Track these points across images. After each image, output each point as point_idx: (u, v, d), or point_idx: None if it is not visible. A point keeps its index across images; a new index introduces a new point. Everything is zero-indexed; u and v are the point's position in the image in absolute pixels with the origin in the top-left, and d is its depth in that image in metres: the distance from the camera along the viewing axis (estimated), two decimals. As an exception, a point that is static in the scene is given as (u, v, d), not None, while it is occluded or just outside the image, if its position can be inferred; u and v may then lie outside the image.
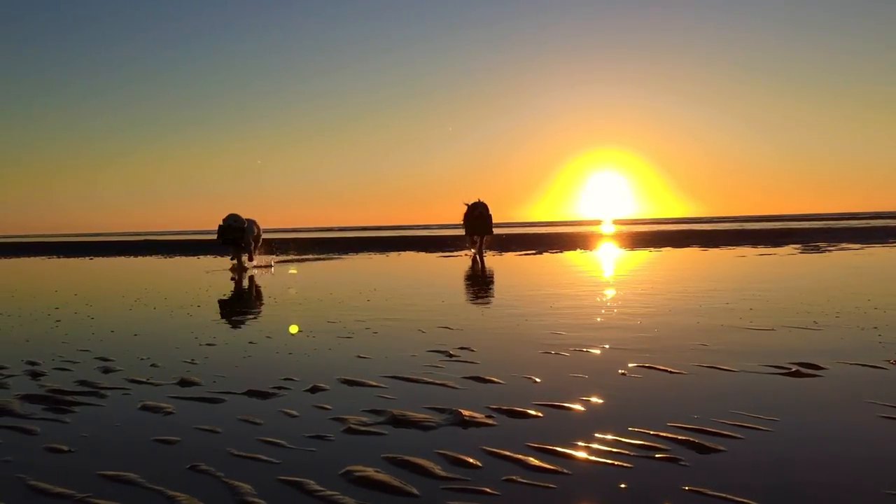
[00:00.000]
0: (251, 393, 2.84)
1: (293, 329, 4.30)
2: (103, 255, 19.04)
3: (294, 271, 10.37)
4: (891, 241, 15.25)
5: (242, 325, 4.76)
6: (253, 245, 11.90)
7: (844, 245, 13.94)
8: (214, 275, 10.15)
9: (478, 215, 13.54)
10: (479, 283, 7.95)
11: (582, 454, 2.02)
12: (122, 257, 17.70)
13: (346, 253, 16.84)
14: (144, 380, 3.14)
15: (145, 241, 36.77)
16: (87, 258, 17.59)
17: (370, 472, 1.92)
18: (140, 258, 16.90)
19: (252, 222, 11.79)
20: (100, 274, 11.25)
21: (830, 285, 6.43)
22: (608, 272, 9.02)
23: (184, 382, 3.06)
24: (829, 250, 12.35)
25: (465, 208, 13.90)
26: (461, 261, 12.38)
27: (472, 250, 14.27)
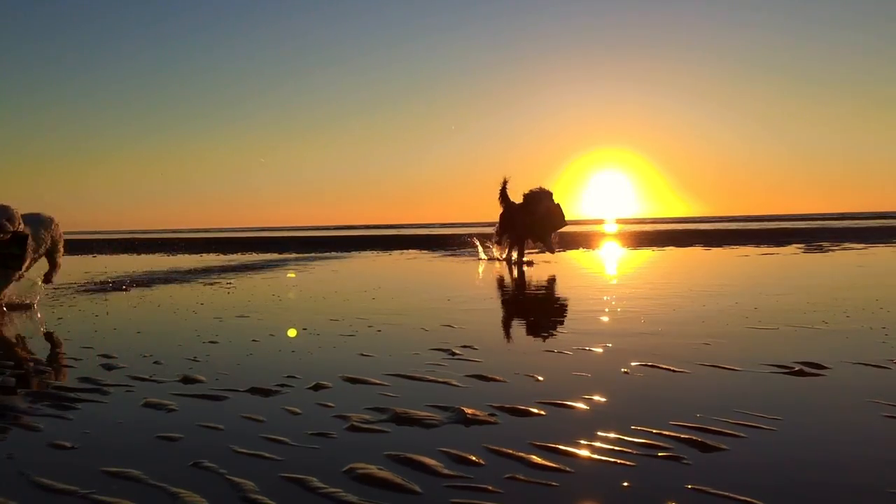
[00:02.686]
0: (254, 390, 2.84)
1: (291, 333, 4.29)
2: (105, 254, 19.05)
3: (292, 275, 10.36)
4: (894, 240, 15.21)
5: (245, 324, 4.76)
6: (31, 261, 6.18)
7: (847, 245, 13.91)
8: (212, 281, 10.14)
9: (546, 210, 10.37)
10: (483, 282, 7.95)
11: (584, 452, 2.01)
12: (126, 255, 17.72)
13: (349, 251, 16.85)
14: (147, 377, 3.14)
15: (157, 239, 36.79)
16: (91, 256, 17.61)
17: (373, 469, 1.92)
18: (143, 256, 16.92)
19: (40, 221, 6.30)
20: (103, 271, 11.25)
21: (834, 284, 6.41)
22: (611, 271, 9.01)
23: (186, 380, 3.06)
24: (833, 250, 12.32)
25: (502, 197, 10.97)
26: (464, 260, 12.37)
27: (513, 254, 11.33)
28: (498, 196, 10.97)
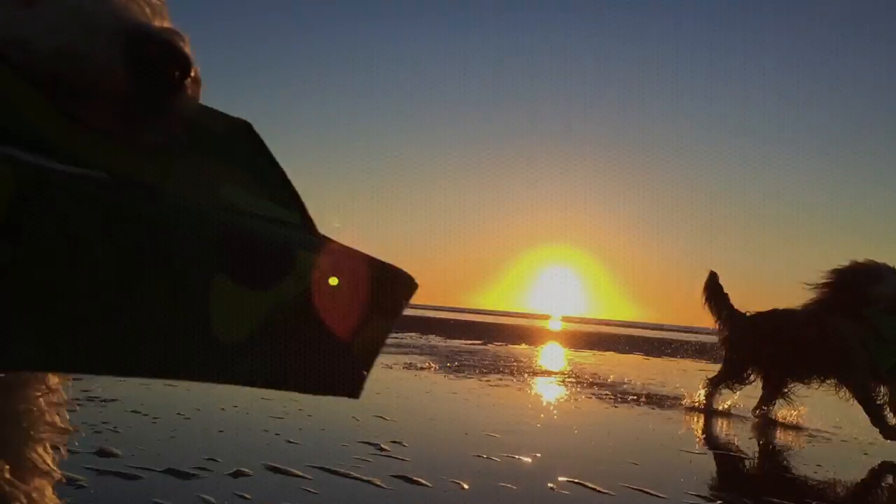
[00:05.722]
0: (171, 472, 2.74)
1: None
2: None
3: None
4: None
5: (173, 396, 4.62)
6: None
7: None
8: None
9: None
10: (431, 378, 7.90)
11: (499, 575, 1.99)
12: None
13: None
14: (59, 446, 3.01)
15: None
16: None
17: (281, 575, 1.85)
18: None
19: None
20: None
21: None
22: (552, 372, 9.06)
23: (102, 453, 2.94)
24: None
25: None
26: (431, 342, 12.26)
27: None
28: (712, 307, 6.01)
